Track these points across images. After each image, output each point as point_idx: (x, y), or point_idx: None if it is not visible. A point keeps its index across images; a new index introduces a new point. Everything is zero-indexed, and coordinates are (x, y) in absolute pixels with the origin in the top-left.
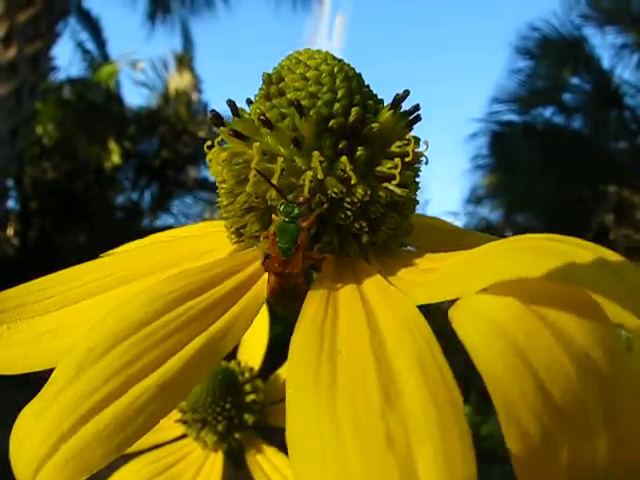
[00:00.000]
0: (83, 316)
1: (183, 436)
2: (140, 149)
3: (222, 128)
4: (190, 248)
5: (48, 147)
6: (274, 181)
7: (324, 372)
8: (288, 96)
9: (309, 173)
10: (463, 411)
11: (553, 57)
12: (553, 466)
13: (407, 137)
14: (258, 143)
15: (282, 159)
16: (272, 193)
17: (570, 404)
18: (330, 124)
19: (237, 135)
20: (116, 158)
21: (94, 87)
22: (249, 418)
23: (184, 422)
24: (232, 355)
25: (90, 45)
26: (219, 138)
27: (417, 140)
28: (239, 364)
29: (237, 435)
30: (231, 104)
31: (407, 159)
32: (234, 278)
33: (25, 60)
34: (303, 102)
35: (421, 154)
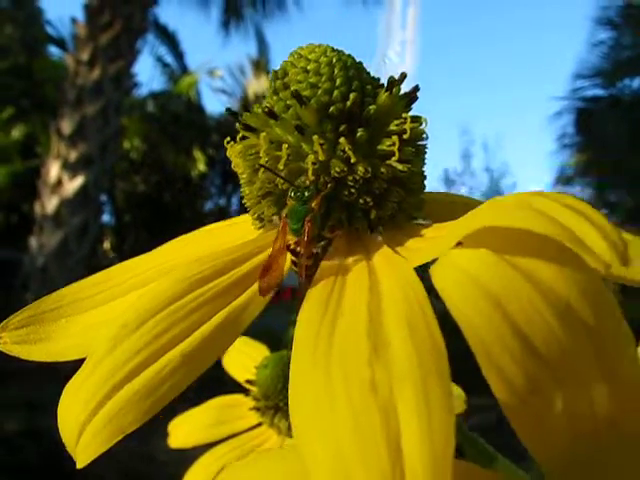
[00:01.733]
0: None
1: (259, 424)
2: (225, 155)
3: (237, 124)
4: (222, 238)
5: (136, 161)
6: (281, 166)
7: (324, 328)
8: (291, 88)
9: (311, 156)
10: (447, 365)
11: (636, 24)
12: (547, 415)
13: (404, 116)
14: (265, 133)
15: (287, 146)
16: (280, 178)
17: (555, 353)
18: (330, 110)
19: (248, 128)
20: (202, 166)
21: (175, 99)
22: None
23: (257, 410)
24: None
25: (169, 58)
26: (240, 134)
27: (416, 118)
28: None
29: None
30: (242, 102)
31: (405, 136)
32: (255, 259)
33: (109, 79)
34: (304, 92)
35: (421, 131)
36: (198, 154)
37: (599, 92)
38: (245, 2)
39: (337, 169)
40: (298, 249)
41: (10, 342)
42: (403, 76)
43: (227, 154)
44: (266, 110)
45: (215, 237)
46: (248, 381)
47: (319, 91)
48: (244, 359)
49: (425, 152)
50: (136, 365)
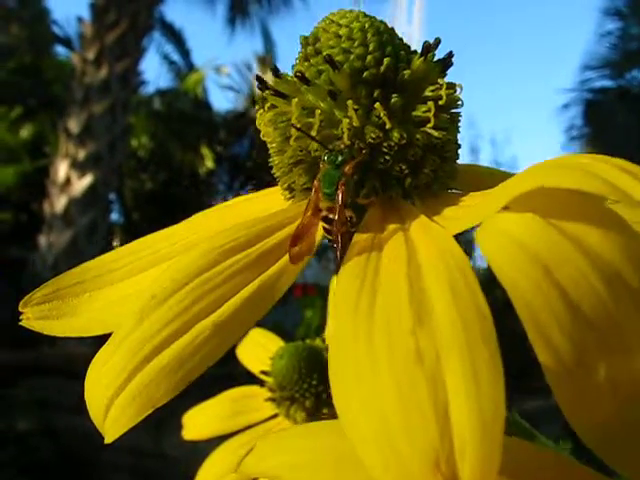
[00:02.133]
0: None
1: (275, 416)
2: (232, 152)
3: (266, 91)
4: (249, 210)
5: (144, 159)
6: (313, 133)
7: (364, 300)
8: (323, 54)
9: (346, 121)
10: (493, 331)
11: None
12: (592, 385)
13: (440, 82)
14: (297, 99)
15: (320, 112)
16: (314, 145)
17: (602, 320)
18: (364, 76)
19: (278, 94)
20: (209, 163)
21: (182, 96)
22: None
23: (273, 400)
24: (323, 332)
25: (175, 56)
26: (268, 103)
27: (451, 85)
28: (324, 340)
29: (325, 411)
30: (273, 69)
31: (441, 102)
32: (286, 229)
33: (116, 78)
34: (337, 57)
35: (456, 97)
36: (206, 151)
37: (607, 83)
38: None
39: (372, 135)
40: (331, 216)
41: (33, 318)
42: (437, 41)
43: (256, 124)
44: (298, 75)
45: (241, 209)
46: (263, 372)
47: (352, 56)
48: (259, 350)
49: (459, 120)
50: (166, 336)
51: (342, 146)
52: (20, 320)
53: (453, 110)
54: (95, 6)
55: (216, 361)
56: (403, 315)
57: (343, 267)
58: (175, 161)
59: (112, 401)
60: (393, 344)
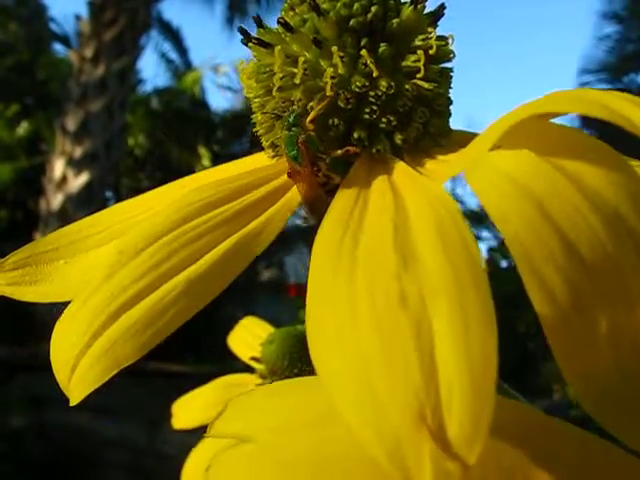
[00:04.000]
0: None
1: None
2: (229, 151)
3: (249, 43)
4: (231, 170)
5: (141, 157)
6: (297, 81)
7: (346, 245)
8: (308, 1)
9: (330, 70)
10: (485, 277)
11: None
12: (590, 332)
13: (430, 31)
14: (279, 47)
15: (304, 60)
16: (297, 94)
17: (601, 262)
18: (351, 24)
19: (262, 44)
20: (206, 162)
21: (180, 95)
22: None
23: None
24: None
25: (173, 55)
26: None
27: (442, 37)
28: None
29: None
30: (256, 18)
31: (431, 52)
32: (267, 185)
33: (113, 76)
34: (323, 5)
35: (448, 50)
36: (203, 150)
37: (605, 86)
38: None
39: (358, 84)
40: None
41: (4, 284)
42: None
43: (239, 79)
44: (282, 21)
45: (224, 171)
46: (253, 358)
47: (338, 4)
48: (250, 338)
49: (451, 75)
50: (136, 292)
51: (295, 107)
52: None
53: (445, 64)
54: (93, 4)
55: (186, 324)
56: (387, 258)
57: (324, 219)
58: (172, 160)
59: (78, 360)
60: (375, 287)
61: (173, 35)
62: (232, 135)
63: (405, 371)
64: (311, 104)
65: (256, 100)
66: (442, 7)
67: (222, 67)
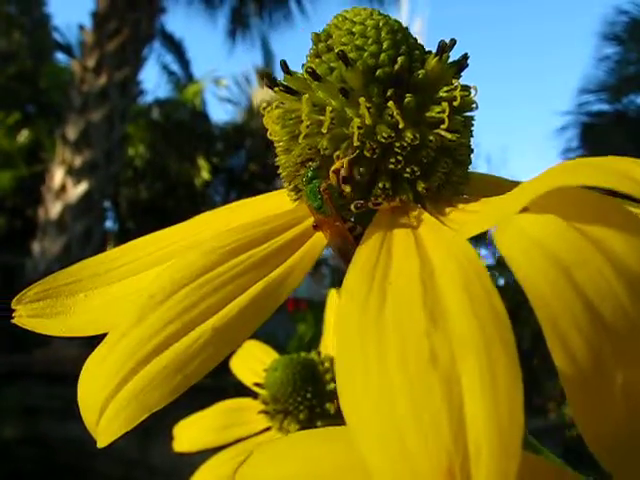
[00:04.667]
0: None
1: (268, 429)
2: (229, 164)
3: (275, 88)
4: (254, 211)
5: (140, 168)
6: (324, 130)
7: (373, 299)
8: (335, 50)
9: (357, 120)
10: (511, 333)
11: None
12: (607, 394)
13: (454, 83)
14: (307, 95)
15: (331, 109)
16: (323, 142)
17: (622, 326)
18: (377, 74)
19: (288, 91)
20: (206, 174)
21: (181, 107)
22: (330, 407)
23: (266, 413)
24: (315, 346)
25: (175, 67)
26: (276, 102)
27: (466, 87)
28: (319, 354)
29: (319, 424)
30: (282, 64)
31: (455, 103)
32: (292, 230)
33: (115, 86)
34: (350, 55)
35: (471, 100)
36: (202, 162)
37: (604, 107)
38: (252, 12)
39: (384, 134)
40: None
41: (25, 315)
42: (453, 42)
43: (263, 121)
44: (309, 71)
45: (247, 211)
46: (257, 384)
47: (365, 54)
48: (252, 362)
49: (473, 124)
50: (165, 338)
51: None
52: (12, 318)
53: (467, 113)
54: (96, 14)
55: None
56: (416, 316)
57: (349, 270)
58: (171, 171)
59: (106, 404)
60: (405, 344)
61: (175, 47)
62: (231, 148)
63: (435, 427)
64: (337, 153)
65: (280, 144)
66: (465, 57)
67: (223, 80)
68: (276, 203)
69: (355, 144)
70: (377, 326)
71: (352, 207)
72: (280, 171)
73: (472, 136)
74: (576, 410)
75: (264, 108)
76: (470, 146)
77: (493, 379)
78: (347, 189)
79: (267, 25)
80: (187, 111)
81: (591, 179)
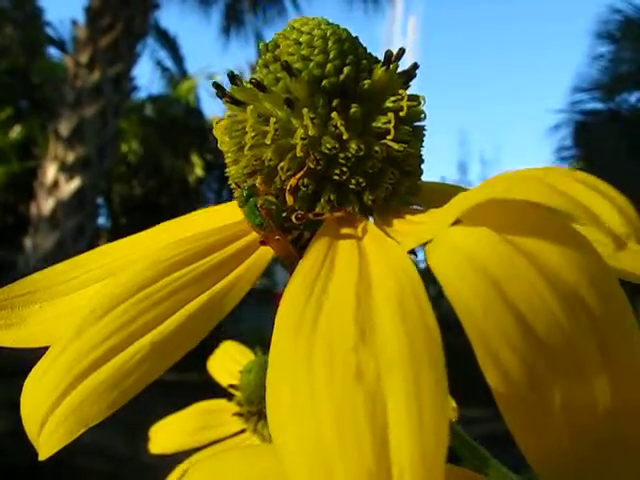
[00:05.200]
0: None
1: (243, 431)
2: (222, 160)
3: (224, 98)
4: (204, 222)
5: (133, 164)
6: (268, 142)
7: (309, 312)
8: (281, 60)
9: (300, 130)
10: (441, 354)
11: (636, 39)
12: (546, 411)
13: (401, 93)
14: (252, 106)
15: (275, 120)
16: (268, 154)
17: (557, 342)
18: (322, 84)
19: (235, 102)
20: (199, 171)
21: (174, 103)
22: None
23: (241, 415)
24: None
25: (168, 62)
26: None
27: (414, 97)
28: None
29: None
30: (230, 74)
31: (401, 114)
32: (238, 242)
33: (108, 82)
34: (295, 65)
35: (419, 110)
36: (196, 159)
37: (598, 105)
38: (246, 8)
39: (328, 145)
40: (273, 239)
41: None
42: (401, 51)
43: (213, 133)
44: (254, 82)
45: (196, 222)
46: (232, 386)
47: (311, 64)
48: (229, 363)
49: (423, 134)
50: (102, 353)
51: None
52: None
53: (416, 123)
54: (90, 9)
55: (172, 371)
56: (346, 331)
57: (289, 282)
58: (165, 168)
59: (46, 418)
60: (333, 361)
61: (169, 43)
62: None
63: (358, 448)
64: (282, 164)
65: (229, 155)
66: (415, 67)
67: (217, 76)
68: (228, 214)
69: (298, 155)
70: (308, 341)
71: (293, 218)
72: (230, 182)
73: (422, 146)
74: (515, 430)
75: (215, 121)
76: (420, 156)
77: (419, 402)
78: (290, 201)
79: (261, 21)
80: (181, 107)
81: (522, 193)
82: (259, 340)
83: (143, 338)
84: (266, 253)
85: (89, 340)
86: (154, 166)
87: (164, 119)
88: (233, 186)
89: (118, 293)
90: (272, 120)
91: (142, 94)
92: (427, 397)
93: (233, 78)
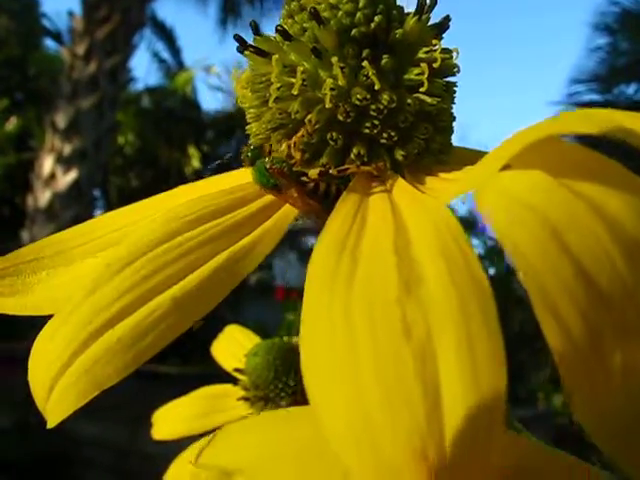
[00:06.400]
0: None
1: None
2: (219, 152)
3: (246, 52)
4: (225, 183)
5: (130, 156)
6: (295, 92)
7: (343, 268)
8: (308, 9)
9: (329, 81)
10: (493, 304)
11: (634, 31)
12: (603, 371)
13: (434, 43)
14: (277, 55)
15: (302, 70)
16: (294, 106)
17: (619, 296)
18: (352, 33)
19: (259, 52)
20: (196, 163)
21: (171, 95)
22: None
23: (247, 400)
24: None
25: (165, 54)
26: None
27: (447, 50)
28: None
29: None
30: (252, 24)
31: (435, 65)
32: (261, 200)
33: (105, 74)
34: (323, 14)
35: (452, 63)
36: (192, 150)
37: (595, 97)
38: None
39: (359, 96)
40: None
41: None
42: (434, 2)
43: (233, 88)
44: (280, 29)
45: (215, 184)
46: (237, 370)
47: (340, 12)
48: (234, 347)
49: (455, 90)
50: (119, 309)
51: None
52: None
53: (448, 78)
54: (86, 1)
55: (174, 340)
56: (388, 283)
57: (319, 239)
58: (162, 159)
59: (57, 379)
60: (375, 315)
61: (166, 35)
62: (222, 136)
63: (408, 406)
64: (310, 116)
65: (251, 110)
66: (447, 19)
67: (214, 68)
68: (246, 176)
69: (327, 106)
70: (346, 297)
71: (313, 173)
72: (251, 139)
73: (454, 102)
74: (572, 392)
75: (233, 73)
76: (452, 113)
77: (473, 357)
78: (297, 155)
79: (258, 13)
80: (177, 99)
81: (581, 127)
82: (259, 332)
83: (164, 294)
84: (290, 211)
85: (105, 296)
86: (151, 158)
87: (161, 111)
88: (255, 144)
89: (137, 247)
90: (299, 69)
91: (139, 86)
92: (482, 353)
93: (256, 29)
